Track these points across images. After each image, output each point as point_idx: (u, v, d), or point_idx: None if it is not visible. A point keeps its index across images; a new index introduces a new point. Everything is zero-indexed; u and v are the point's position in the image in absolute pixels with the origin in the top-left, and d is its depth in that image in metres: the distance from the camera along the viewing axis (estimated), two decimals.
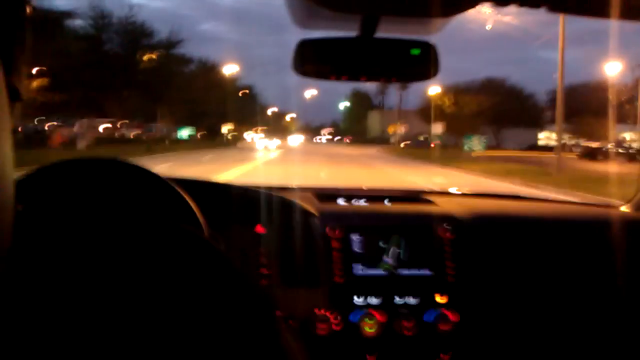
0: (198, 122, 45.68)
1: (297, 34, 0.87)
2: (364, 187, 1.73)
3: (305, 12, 0.77)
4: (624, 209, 1.55)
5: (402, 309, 1.23)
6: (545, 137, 48.73)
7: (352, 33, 0.82)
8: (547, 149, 43.37)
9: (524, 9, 0.67)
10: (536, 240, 1.35)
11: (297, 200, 1.33)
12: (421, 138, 47.32)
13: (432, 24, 0.81)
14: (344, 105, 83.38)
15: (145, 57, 31.09)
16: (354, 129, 77.68)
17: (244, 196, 1.30)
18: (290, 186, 1.57)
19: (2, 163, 0.34)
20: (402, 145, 44.62)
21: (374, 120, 72.67)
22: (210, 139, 44.15)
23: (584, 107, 38.26)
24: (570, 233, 1.39)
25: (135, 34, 31.62)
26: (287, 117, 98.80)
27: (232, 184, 1.39)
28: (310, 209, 1.31)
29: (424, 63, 0.89)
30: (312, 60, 0.89)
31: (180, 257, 0.44)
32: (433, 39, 0.89)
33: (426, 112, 47.72)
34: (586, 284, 1.34)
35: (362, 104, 79.00)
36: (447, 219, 1.32)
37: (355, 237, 1.26)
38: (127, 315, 0.38)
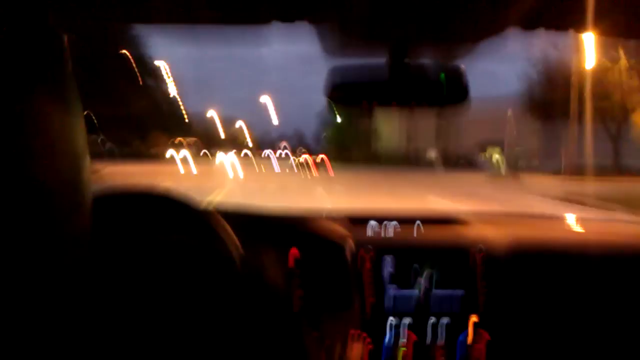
0: None
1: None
2: (396, 209, 1.75)
3: (336, 41, 0.79)
4: None
5: (436, 329, 1.27)
6: None
7: (382, 59, 0.85)
8: None
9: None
10: (575, 269, 1.35)
11: (331, 224, 1.40)
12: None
13: (461, 48, 0.83)
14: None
15: None
16: (340, 139, 52.84)
17: (278, 221, 1.37)
18: (322, 211, 1.63)
19: (83, 178, 0.49)
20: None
21: (387, 123, 48.46)
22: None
23: None
24: (611, 262, 1.38)
25: None
26: (237, 125, 73.79)
27: (267, 209, 1.42)
28: (344, 232, 1.37)
29: (454, 87, 0.92)
30: (343, 86, 0.93)
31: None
32: (462, 62, 0.90)
33: (553, 101, 23.94)
34: (624, 318, 1.33)
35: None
36: (481, 241, 1.35)
37: (388, 259, 1.30)
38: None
